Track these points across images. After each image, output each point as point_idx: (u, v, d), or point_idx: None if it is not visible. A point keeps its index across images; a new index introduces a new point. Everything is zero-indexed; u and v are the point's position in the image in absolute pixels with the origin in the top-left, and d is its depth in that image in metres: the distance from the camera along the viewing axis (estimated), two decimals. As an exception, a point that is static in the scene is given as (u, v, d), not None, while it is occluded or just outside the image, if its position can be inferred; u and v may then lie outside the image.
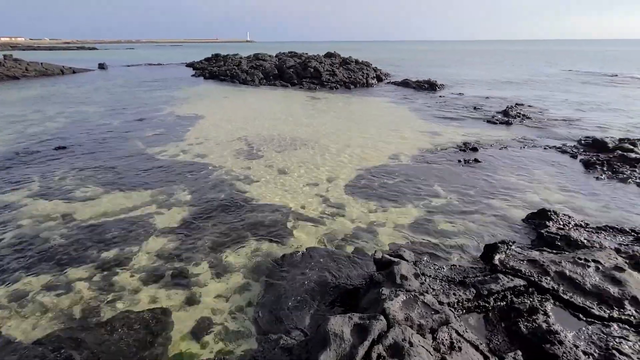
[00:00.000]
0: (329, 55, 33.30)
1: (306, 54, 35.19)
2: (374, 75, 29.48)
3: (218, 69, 32.94)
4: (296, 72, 28.16)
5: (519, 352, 3.11)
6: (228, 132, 12.99)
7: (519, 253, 4.78)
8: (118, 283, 5.02)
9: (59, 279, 5.08)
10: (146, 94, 22.34)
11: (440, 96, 21.83)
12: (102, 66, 42.23)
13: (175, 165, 9.53)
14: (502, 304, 3.88)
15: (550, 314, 3.62)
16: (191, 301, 4.71)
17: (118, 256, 5.61)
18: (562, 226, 6.01)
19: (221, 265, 5.42)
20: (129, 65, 48.04)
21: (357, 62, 31.70)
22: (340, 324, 2.96)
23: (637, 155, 9.84)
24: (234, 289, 4.95)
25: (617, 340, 3.31)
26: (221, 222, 6.66)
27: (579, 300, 3.81)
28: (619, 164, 9.58)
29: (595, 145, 11.23)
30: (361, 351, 2.70)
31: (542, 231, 5.68)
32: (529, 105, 18.46)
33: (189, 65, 46.43)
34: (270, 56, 36.86)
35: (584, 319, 3.63)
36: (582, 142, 11.88)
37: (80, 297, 4.74)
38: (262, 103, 19.67)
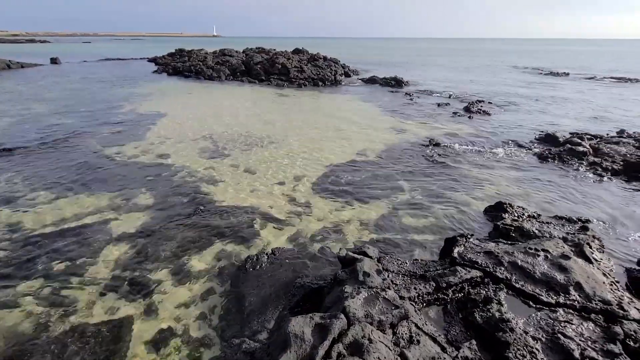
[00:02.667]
0: (297, 51, 33.08)
1: (274, 50, 34.77)
2: (342, 72, 29.65)
3: (182, 65, 31.81)
4: (264, 68, 27.77)
5: (474, 342, 3.25)
6: (192, 131, 12.59)
7: (476, 245, 4.98)
8: (71, 295, 4.74)
9: (4, 294, 4.72)
10: (104, 91, 21.17)
11: (406, 93, 22.32)
12: (54, 61, 39.51)
13: (134, 167, 9.11)
14: (459, 295, 4.03)
15: (504, 302, 3.81)
16: (151, 310, 4.53)
17: (71, 267, 5.29)
18: (516, 218, 6.34)
19: (184, 271, 5.25)
20: (85, 60, 45.30)
21: (325, 58, 31.72)
22: (301, 325, 2.95)
23: (584, 149, 10.57)
24: (197, 295, 4.82)
25: (562, 324, 3.54)
26: (184, 225, 6.45)
27: (529, 288, 4.04)
28: (568, 157, 10.25)
29: (547, 139, 11.94)
30: (321, 351, 2.71)
31: (498, 223, 5.97)
32: (489, 102, 19.29)
33: (151, 60, 44.49)
34: (237, 52, 36.08)
35: (534, 305, 3.85)
36: (537, 137, 12.60)
37: (29, 312, 4.43)
38: (229, 100, 19.23)
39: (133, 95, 19.79)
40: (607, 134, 12.66)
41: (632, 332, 3.45)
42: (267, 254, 5.42)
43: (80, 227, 6.33)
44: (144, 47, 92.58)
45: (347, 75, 29.69)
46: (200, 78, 27.88)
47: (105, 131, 12.36)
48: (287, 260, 5.28)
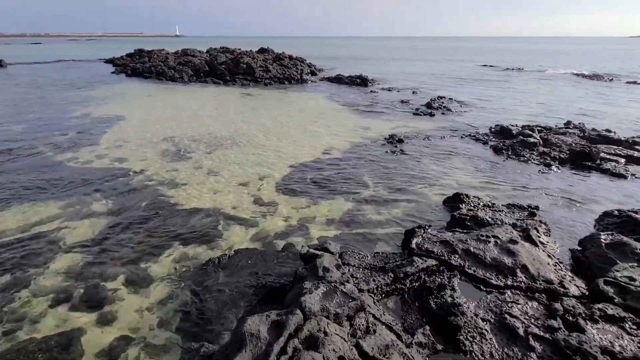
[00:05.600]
0: (262, 50, 32.77)
1: (239, 49, 34.22)
2: (308, 71, 29.71)
3: (142, 66, 30.58)
4: (228, 68, 27.27)
5: (427, 327, 3.38)
6: (152, 134, 12.15)
7: (433, 235, 5.17)
8: (17, 309, 4.44)
9: (-63, 315, 4.34)
10: (56, 95, 19.93)
11: (371, 91, 22.72)
12: (-1, 63, 36.68)
13: (89, 172, 8.66)
14: (416, 284, 4.17)
15: (457, 288, 3.98)
16: (106, 319, 4.34)
17: (17, 279, 4.96)
18: (472, 207, 6.63)
19: (142, 277, 5.06)
20: (35, 62, 42.44)
21: (290, 57, 31.64)
22: (257, 323, 2.95)
23: (535, 140, 11.23)
24: (157, 300, 4.66)
25: (509, 305, 3.75)
26: (143, 230, 6.22)
27: (480, 273, 4.25)
28: (520, 148, 10.85)
29: (502, 132, 12.57)
30: (276, 348, 2.71)
31: (455, 213, 6.22)
32: (450, 98, 20.01)
33: (108, 61, 42.45)
34: (200, 52, 35.16)
35: (484, 289, 4.06)
36: (492, 129, 13.23)
37: (-33, 331, 4.11)
38: (192, 101, 18.72)
39: (88, 99, 18.78)
40: (556, 126, 13.51)
41: (571, 308, 3.72)
42: (229, 255, 5.34)
43: (28, 238, 5.94)
44: (101, 47, 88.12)
45: (313, 74, 29.79)
46: (161, 79, 26.93)
47: (57, 137, 11.65)
48: (249, 261, 5.23)
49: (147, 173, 8.70)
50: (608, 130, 12.01)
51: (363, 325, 3.25)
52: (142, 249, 5.70)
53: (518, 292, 4.00)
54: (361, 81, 25.83)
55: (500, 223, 5.67)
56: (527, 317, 3.59)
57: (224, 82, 25.71)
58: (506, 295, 3.92)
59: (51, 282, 4.95)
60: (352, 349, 2.86)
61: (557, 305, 3.70)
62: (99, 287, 4.85)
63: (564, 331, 3.38)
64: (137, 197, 7.46)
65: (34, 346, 3.94)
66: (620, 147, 10.59)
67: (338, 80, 26.94)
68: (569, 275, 4.44)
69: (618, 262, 4.50)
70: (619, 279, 4.09)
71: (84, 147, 10.52)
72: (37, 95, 19.60)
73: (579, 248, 5.39)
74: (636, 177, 8.78)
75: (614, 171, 8.98)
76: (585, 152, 9.81)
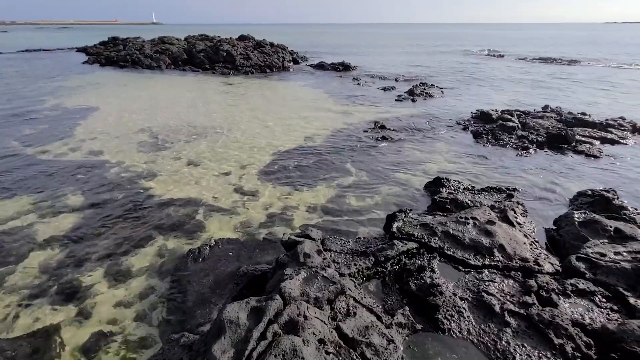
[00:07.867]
0: (242, 38, 31.99)
1: (218, 37, 33.32)
2: (290, 58, 29.26)
3: (116, 54, 29.44)
4: (207, 56, 26.57)
5: (407, 308, 3.43)
6: (129, 124, 11.77)
7: (414, 219, 5.23)
8: (-12, 308, 4.28)
9: None
10: (24, 85, 19.01)
11: (354, 78, 22.58)
12: (-38, 53, 34.68)
13: (62, 166, 8.34)
14: (397, 267, 4.22)
15: (436, 269, 4.05)
16: (84, 314, 4.23)
17: (-13, 277, 4.76)
18: (452, 191, 6.73)
19: (120, 271, 4.95)
20: (0, 52, 40.27)
21: (272, 45, 31.03)
22: (236, 310, 2.92)
23: (513, 124, 11.44)
24: (136, 294, 4.57)
25: (486, 283, 3.85)
26: (120, 223, 6.06)
27: (459, 254, 4.33)
28: (500, 132, 11.04)
29: (482, 117, 12.74)
30: (256, 333, 2.70)
31: (436, 197, 6.30)
32: (432, 84, 20.11)
33: (80, 50, 40.71)
34: (178, 39, 34.04)
35: (463, 269, 4.14)
36: (473, 115, 13.39)
37: None
38: (170, 90, 18.19)
39: (59, 89, 17.99)
40: (534, 110, 13.78)
41: (545, 284, 3.84)
42: (210, 245, 5.27)
43: (-2, 235, 5.70)
44: (73, 36, 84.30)
45: (295, 61, 29.37)
46: (137, 68, 26.05)
47: (26, 129, 11.14)
48: (230, 253, 5.18)
49: (124, 165, 8.44)
50: (583, 114, 12.33)
51: (343, 308, 3.27)
52: (120, 241, 5.56)
53: (495, 271, 4.10)
54: (344, 68, 25.65)
55: (479, 205, 5.77)
56: (503, 295, 3.69)
57: (203, 71, 25.07)
58: (483, 274, 4.01)
59: (25, 279, 4.78)
60: (332, 332, 2.88)
61: (532, 282, 3.81)
62: (75, 282, 4.72)
63: (537, 306, 3.49)
64: (114, 189, 7.24)
65: (8, 345, 3.81)
66: (595, 130, 10.90)
67: (321, 67, 26.66)
68: (544, 253, 4.57)
69: (590, 239, 4.66)
70: (591, 255, 4.23)
71: (56, 140, 10.10)
72: (4, 86, 18.64)
73: (554, 227, 5.55)
74: (609, 158, 9.08)
75: (588, 153, 9.26)
76: (561, 135, 10.05)
